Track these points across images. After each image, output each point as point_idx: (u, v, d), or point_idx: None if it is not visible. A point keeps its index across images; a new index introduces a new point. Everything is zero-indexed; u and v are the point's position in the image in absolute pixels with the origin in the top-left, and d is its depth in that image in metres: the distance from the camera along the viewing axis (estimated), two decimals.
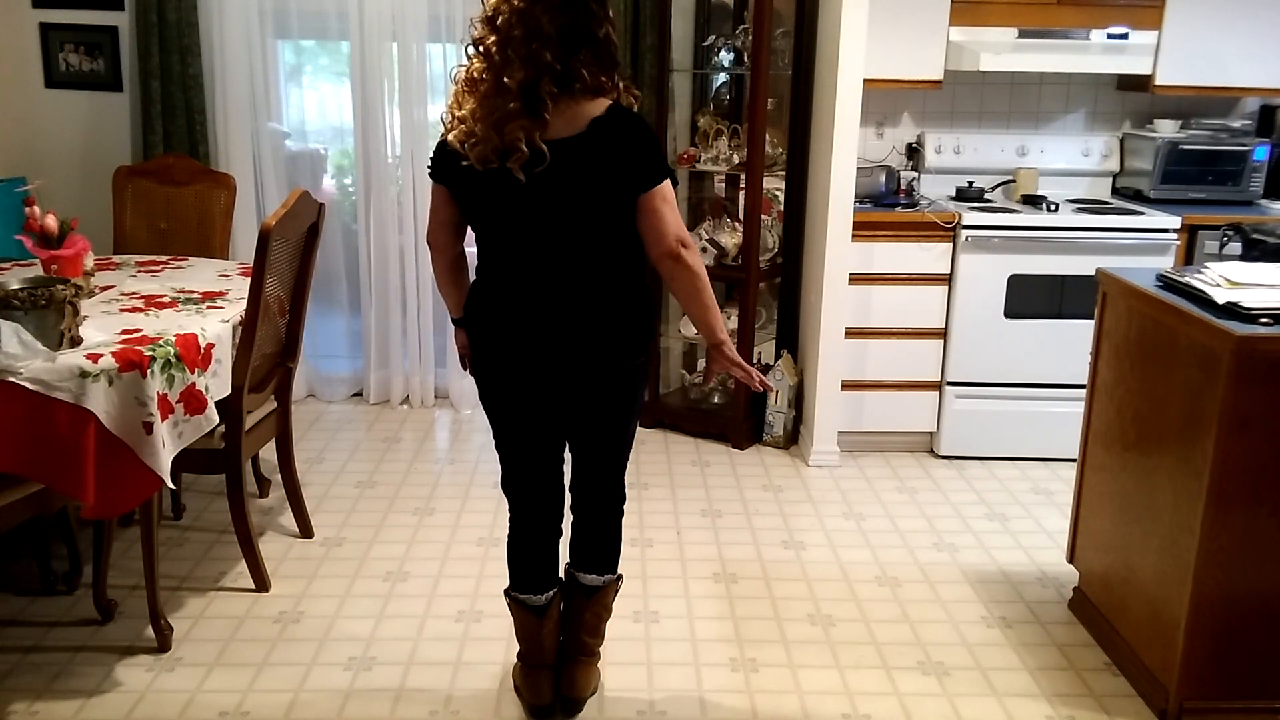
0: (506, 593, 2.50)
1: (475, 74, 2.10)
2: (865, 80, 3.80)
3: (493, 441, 2.42)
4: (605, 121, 2.09)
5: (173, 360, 2.55)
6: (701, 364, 4.67)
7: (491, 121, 2.05)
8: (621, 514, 2.51)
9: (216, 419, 2.72)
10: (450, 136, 2.14)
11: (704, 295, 2.20)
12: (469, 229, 2.31)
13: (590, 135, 2.08)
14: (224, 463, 2.95)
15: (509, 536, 2.47)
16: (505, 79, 2.04)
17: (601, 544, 2.50)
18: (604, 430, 2.37)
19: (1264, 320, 2.29)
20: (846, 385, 4.07)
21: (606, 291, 2.22)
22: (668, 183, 2.15)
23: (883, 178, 4.19)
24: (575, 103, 2.09)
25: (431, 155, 2.24)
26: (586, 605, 2.50)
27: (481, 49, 2.09)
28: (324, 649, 2.77)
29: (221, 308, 2.96)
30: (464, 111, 2.11)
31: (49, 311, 2.47)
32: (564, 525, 2.50)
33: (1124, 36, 4.06)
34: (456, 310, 2.40)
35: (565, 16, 2.04)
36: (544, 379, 2.27)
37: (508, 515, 2.47)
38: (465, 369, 2.45)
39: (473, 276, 2.34)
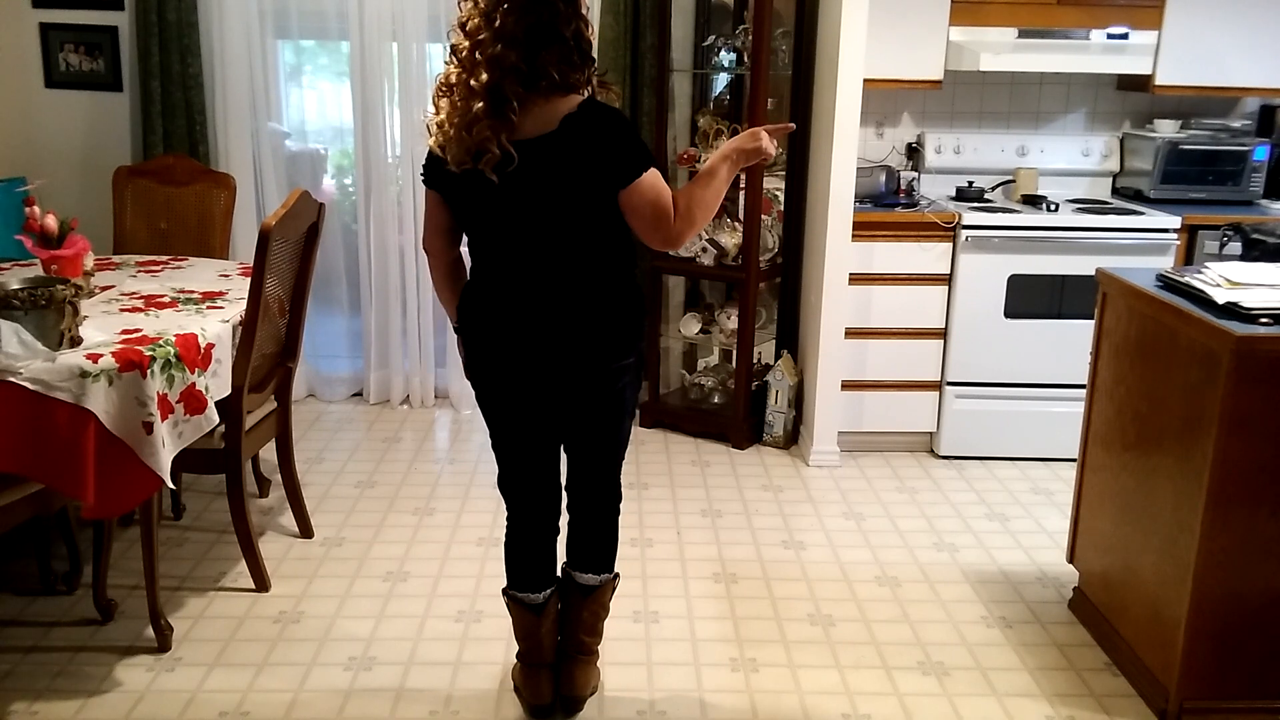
0: (504, 592, 2.50)
1: (450, 78, 2.11)
2: (865, 80, 3.80)
3: (490, 441, 2.42)
4: (578, 118, 2.08)
5: (173, 360, 2.55)
6: (702, 364, 4.68)
7: (463, 124, 2.06)
8: (618, 513, 2.51)
9: (216, 419, 2.72)
10: (430, 142, 2.16)
11: (712, 206, 2.19)
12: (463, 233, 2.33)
13: (562, 132, 2.07)
14: (224, 463, 2.95)
15: (506, 535, 2.47)
16: (472, 82, 2.05)
17: (598, 543, 2.50)
18: (595, 431, 2.37)
19: (1264, 320, 2.29)
20: (846, 385, 4.07)
21: (591, 291, 2.22)
22: (651, 175, 2.13)
23: (883, 178, 4.18)
24: (546, 101, 2.08)
25: (424, 161, 2.24)
26: (584, 604, 2.50)
27: (454, 53, 2.11)
28: (324, 649, 2.77)
29: (221, 308, 2.96)
30: (441, 116, 2.12)
31: (49, 311, 2.47)
32: (560, 523, 2.50)
33: (1124, 36, 4.06)
34: (456, 317, 2.38)
35: (530, 16, 2.04)
36: (534, 379, 2.27)
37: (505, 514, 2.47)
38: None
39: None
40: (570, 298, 2.20)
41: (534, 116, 2.08)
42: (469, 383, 2.38)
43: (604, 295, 2.23)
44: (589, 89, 2.15)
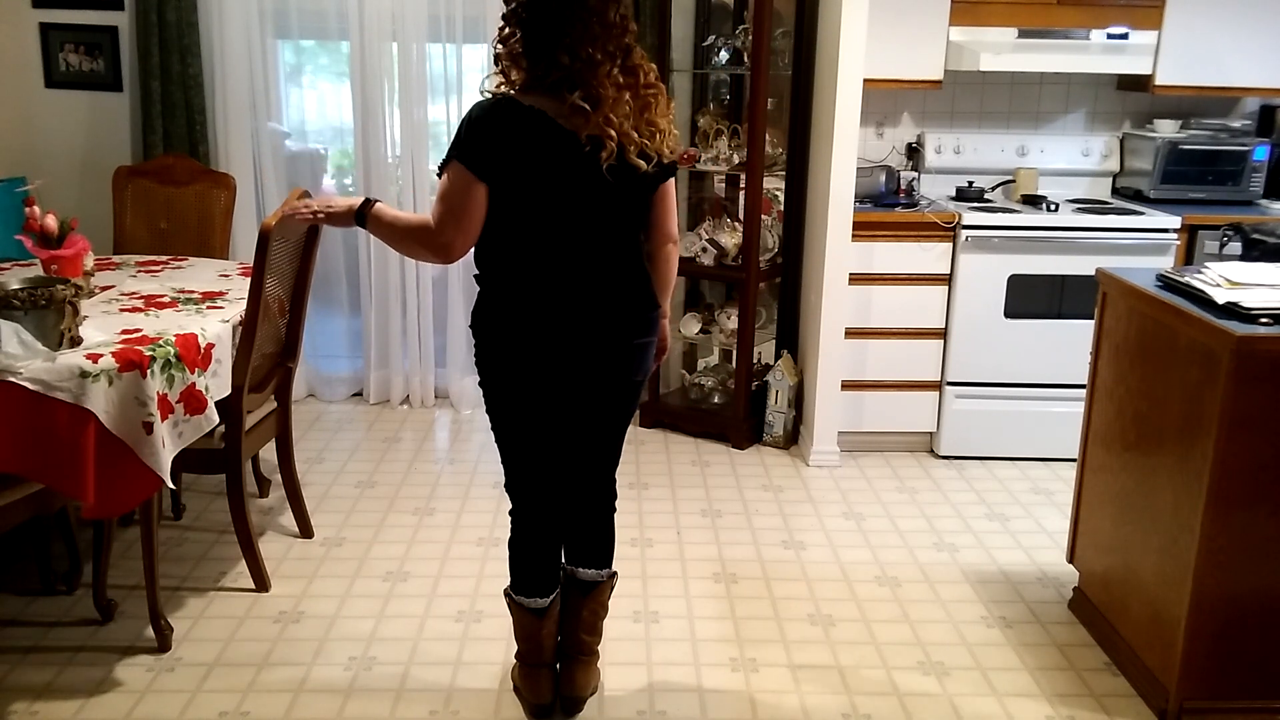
0: (507, 593, 2.49)
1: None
2: (865, 80, 3.80)
3: (495, 444, 2.40)
4: None
5: (173, 360, 2.55)
6: (702, 364, 4.68)
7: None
8: (615, 509, 2.55)
9: (216, 419, 2.72)
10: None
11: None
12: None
13: None
14: (224, 463, 2.95)
15: (514, 541, 2.45)
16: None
17: (600, 539, 2.52)
18: (615, 419, 2.41)
19: (1264, 320, 2.29)
20: (846, 385, 4.08)
21: (636, 276, 2.32)
22: None
23: (883, 178, 4.19)
24: None
25: (479, 159, 2.12)
26: (584, 603, 2.50)
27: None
28: (324, 649, 2.77)
29: (221, 308, 2.96)
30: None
31: (49, 311, 2.47)
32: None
33: (1124, 36, 4.06)
34: (488, 320, 2.30)
35: None
36: (574, 366, 2.27)
37: (509, 518, 2.46)
38: None
39: (478, 284, 2.31)
40: (620, 283, 2.29)
41: None
42: (483, 388, 2.33)
43: (642, 279, 2.34)
44: None
